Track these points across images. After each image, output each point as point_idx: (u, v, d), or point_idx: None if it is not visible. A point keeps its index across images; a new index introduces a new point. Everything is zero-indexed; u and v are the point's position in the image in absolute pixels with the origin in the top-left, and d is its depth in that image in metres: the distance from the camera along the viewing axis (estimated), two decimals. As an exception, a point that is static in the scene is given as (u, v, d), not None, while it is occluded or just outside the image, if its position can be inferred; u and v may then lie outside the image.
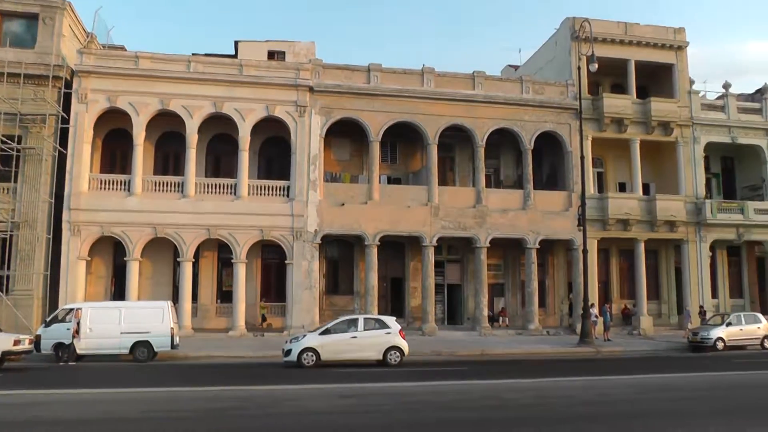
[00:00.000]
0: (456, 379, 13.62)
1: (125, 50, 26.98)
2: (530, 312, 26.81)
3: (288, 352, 16.30)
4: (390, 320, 17.39)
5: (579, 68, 25.86)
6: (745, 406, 10.43)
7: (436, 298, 27.04)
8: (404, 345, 16.81)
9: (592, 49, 23.56)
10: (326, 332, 16.63)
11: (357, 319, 17.23)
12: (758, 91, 31.77)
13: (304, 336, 16.85)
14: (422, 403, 10.60)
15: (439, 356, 19.26)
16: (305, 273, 24.49)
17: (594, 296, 26.03)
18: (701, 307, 27.70)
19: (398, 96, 25.94)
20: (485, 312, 26.24)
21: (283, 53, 30.54)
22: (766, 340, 22.75)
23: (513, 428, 8.53)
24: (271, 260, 26.29)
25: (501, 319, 28.15)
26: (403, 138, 27.69)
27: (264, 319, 25.68)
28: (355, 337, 16.50)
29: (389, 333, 16.75)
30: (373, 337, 16.62)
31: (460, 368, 15.88)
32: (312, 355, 16.12)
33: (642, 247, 27.78)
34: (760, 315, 23.84)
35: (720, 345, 21.92)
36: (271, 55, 30.19)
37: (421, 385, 12.72)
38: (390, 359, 16.53)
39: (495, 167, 29.39)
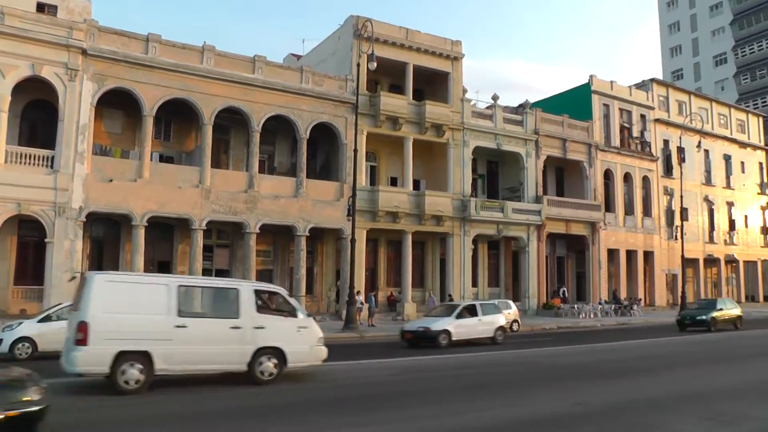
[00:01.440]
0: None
1: None
2: (298, 299, 27.74)
3: (-1, 342, 14.70)
4: None
5: (359, 65, 27.60)
6: (474, 384, 12.13)
7: (204, 284, 27.29)
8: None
9: (372, 48, 25.41)
10: (46, 319, 15.34)
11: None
12: (521, 105, 37.00)
13: (20, 324, 15.47)
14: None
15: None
16: (67, 253, 23.32)
17: (361, 284, 28.54)
18: (449, 295, 31.49)
19: (176, 71, 25.81)
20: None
21: (55, 8, 28.35)
22: (514, 323, 26.02)
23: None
24: (30, 238, 24.54)
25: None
26: (178, 116, 27.66)
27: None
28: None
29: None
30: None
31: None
32: (27, 346, 14.95)
33: (410, 238, 30.92)
34: (511, 302, 28.08)
35: None
36: (41, 7, 27.85)
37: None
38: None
39: (270, 153, 30.54)
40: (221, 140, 28.90)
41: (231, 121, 28.22)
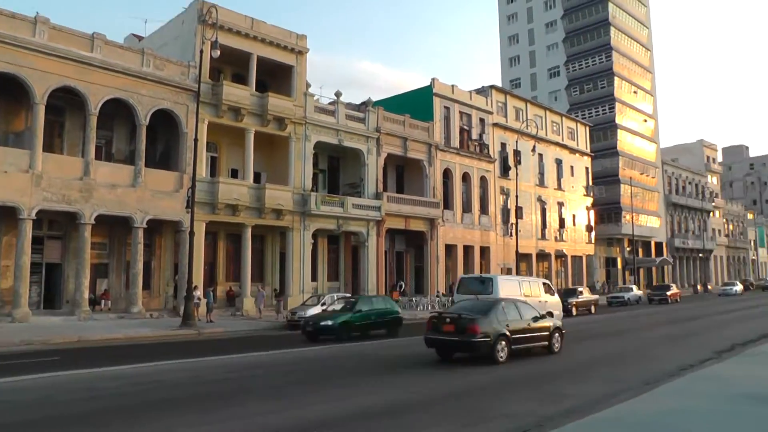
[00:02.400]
0: (46, 371, 13.20)
1: None
2: (134, 294, 27.74)
3: None
4: None
5: (202, 52, 27.61)
6: (313, 377, 12.98)
7: (32, 278, 25.87)
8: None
9: (216, 35, 25.68)
10: None
11: None
12: (363, 103, 39.03)
13: None
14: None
15: (31, 346, 18.56)
16: None
17: (200, 278, 28.69)
18: (275, 289, 32.30)
19: (5, 42, 24.18)
20: (86, 295, 26.27)
21: None
22: None
23: (108, 418, 9.04)
24: None
25: (103, 302, 28.40)
26: (6, 93, 26.10)
27: None
28: None
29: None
30: None
31: (52, 358, 15.61)
32: None
33: (249, 232, 31.65)
34: (349, 295, 29.63)
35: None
36: None
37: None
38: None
39: (108, 139, 29.76)
40: (55, 122, 27.66)
41: (66, 102, 27.16)
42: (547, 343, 15.94)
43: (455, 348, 14.63)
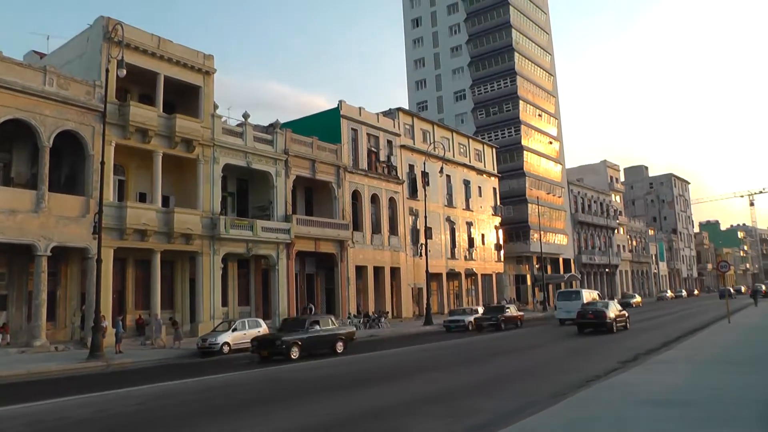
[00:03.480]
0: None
1: None
2: (37, 327, 27.16)
3: None
4: None
5: (108, 71, 28.30)
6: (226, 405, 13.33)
7: None
8: None
9: (122, 53, 26.02)
10: None
11: None
12: (271, 125, 40.82)
13: None
14: None
15: None
16: None
17: (108, 307, 28.96)
18: (171, 318, 32.45)
19: None
20: (-19, 329, 25.74)
21: None
22: None
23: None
24: None
25: (2, 336, 27.75)
26: None
27: None
28: None
29: None
30: None
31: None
32: None
33: (158, 257, 32.48)
34: (261, 320, 30.59)
35: (226, 349, 26.57)
36: None
37: None
38: None
39: (6, 162, 29.81)
40: (-53, 143, 27.42)
41: (-37, 122, 26.80)
42: (626, 323, 32.23)
43: (594, 326, 30.19)
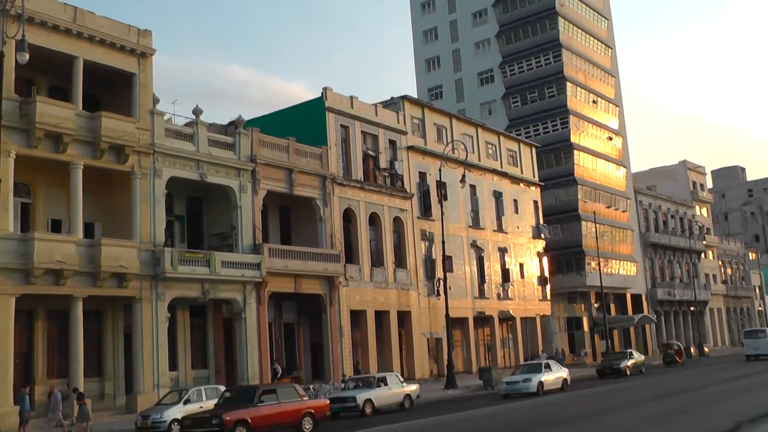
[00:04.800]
0: None
1: None
2: None
3: None
4: None
5: (3, 55, 27.50)
6: None
7: None
8: None
9: (22, 31, 24.82)
10: None
11: None
12: (232, 123, 40.69)
13: None
14: None
15: None
16: None
17: (7, 378, 28.47)
18: (75, 389, 30.63)
19: None
20: None
21: None
22: None
23: None
24: None
25: None
26: None
27: None
28: None
29: None
30: None
31: None
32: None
33: (80, 307, 31.88)
34: (222, 387, 30.24)
35: (177, 429, 26.12)
36: None
37: None
38: None
39: None
40: None
41: None
42: None
43: None
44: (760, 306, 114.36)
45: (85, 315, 32.45)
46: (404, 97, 54.04)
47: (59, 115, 31.60)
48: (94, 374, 33.93)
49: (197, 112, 38.24)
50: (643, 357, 51.98)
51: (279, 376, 39.88)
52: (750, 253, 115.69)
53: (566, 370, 41.39)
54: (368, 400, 30.76)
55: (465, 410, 30.29)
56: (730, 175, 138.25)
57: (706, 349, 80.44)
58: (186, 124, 38.43)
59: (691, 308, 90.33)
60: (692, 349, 76.14)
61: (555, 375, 38.76)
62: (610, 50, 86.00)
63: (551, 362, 41.30)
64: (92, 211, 34.71)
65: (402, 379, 31.75)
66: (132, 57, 35.61)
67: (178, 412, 26.82)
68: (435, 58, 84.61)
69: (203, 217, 40.80)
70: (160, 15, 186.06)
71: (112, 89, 36.03)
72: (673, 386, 35.78)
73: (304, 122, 45.69)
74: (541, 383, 36.65)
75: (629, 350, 53.54)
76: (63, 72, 33.68)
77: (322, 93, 46.57)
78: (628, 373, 46.29)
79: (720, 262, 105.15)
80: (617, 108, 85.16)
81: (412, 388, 34.17)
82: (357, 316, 45.67)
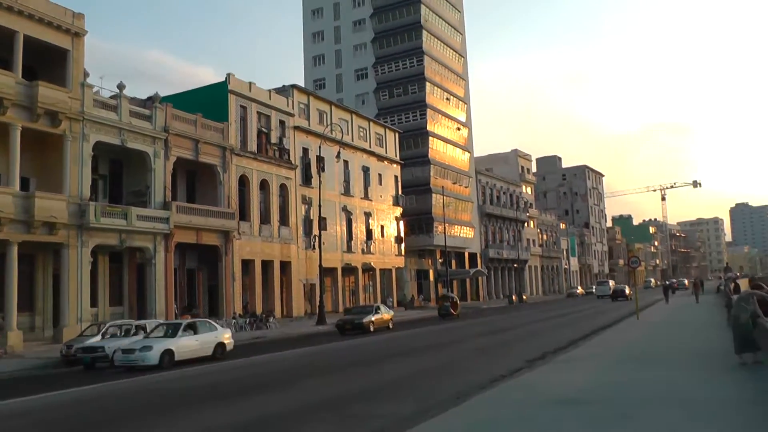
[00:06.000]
0: None
1: None
2: None
3: None
4: None
5: None
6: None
7: None
8: None
9: None
10: None
11: None
12: (150, 98, 40.73)
13: None
14: None
15: None
16: None
17: None
18: None
19: None
20: None
21: None
22: None
23: None
24: None
25: None
26: None
27: None
28: None
29: None
30: None
31: None
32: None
33: (15, 251, 31.44)
34: (134, 321, 29.71)
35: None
36: None
37: None
38: None
39: None
40: None
41: None
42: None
43: (622, 298, 69.68)
44: (566, 264, 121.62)
45: (20, 258, 32.04)
46: (294, 86, 54.85)
47: (1, 81, 31.00)
48: (27, 309, 33.76)
49: (121, 87, 38.02)
50: (391, 313, 41.53)
51: (181, 313, 40.44)
52: (561, 224, 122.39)
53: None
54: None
55: (338, 341, 31.84)
56: (550, 163, 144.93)
57: (524, 297, 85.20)
58: (111, 97, 38.05)
59: (515, 265, 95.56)
60: (513, 297, 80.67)
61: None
62: (462, 58, 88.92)
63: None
64: (28, 167, 34.18)
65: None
66: (67, 36, 35.03)
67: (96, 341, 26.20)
68: (321, 56, 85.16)
69: (123, 177, 40.58)
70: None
71: (48, 63, 35.28)
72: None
73: (210, 101, 45.87)
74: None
75: (377, 304, 42.87)
76: (4, 45, 32.90)
77: (226, 78, 46.89)
78: (372, 329, 36.85)
79: (538, 230, 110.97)
80: (465, 105, 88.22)
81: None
82: (247, 265, 46.54)
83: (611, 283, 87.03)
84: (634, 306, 38.13)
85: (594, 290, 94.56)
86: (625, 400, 11.82)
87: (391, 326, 39.29)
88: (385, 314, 39.64)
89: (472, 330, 35.34)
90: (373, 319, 37.71)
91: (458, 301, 52.45)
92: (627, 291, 71.45)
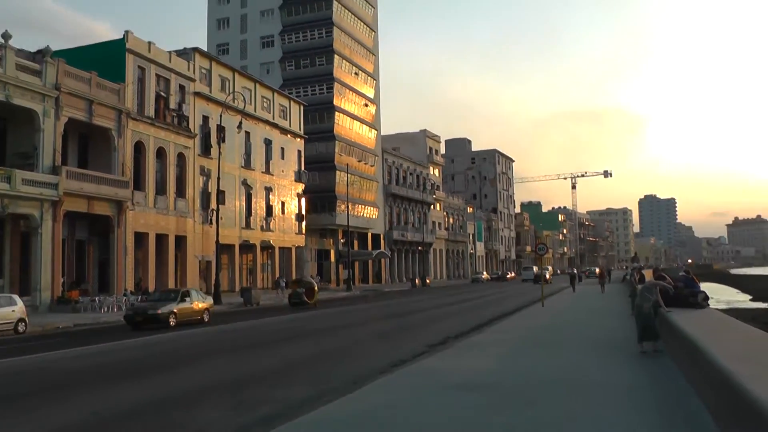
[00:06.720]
0: None
1: None
2: None
3: None
4: None
5: None
6: None
7: None
8: None
9: None
10: None
11: None
12: (40, 51, 39.63)
13: None
14: None
15: None
16: None
17: None
18: None
19: None
20: None
21: None
22: (20, 323, 27.89)
23: None
24: None
25: None
26: None
27: None
28: None
29: None
30: None
31: None
32: None
33: None
34: (16, 297, 29.39)
35: None
36: None
37: None
38: None
39: None
40: None
41: None
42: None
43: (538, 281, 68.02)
44: (472, 249, 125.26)
45: None
46: (195, 49, 54.45)
47: None
48: None
49: (6, 36, 36.53)
50: (209, 301, 33.67)
51: (69, 288, 39.92)
52: (468, 208, 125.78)
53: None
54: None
55: (236, 322, 32.06)
56: (459, 145, 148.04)
57: (428, 281, 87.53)
58: (-5, 51, 36.96)
59: (420, 248, 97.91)
60: (416, 280, 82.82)
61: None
62: (373, 33, 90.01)
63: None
64: None
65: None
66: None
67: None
68: (225, 19, 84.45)
69: (7, 136, 39.35)
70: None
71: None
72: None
73: (106, 59, 44.88)
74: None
75: (185, 289, 34.26)
76: None
77: (124, 35, 46.07)
78: (172, 323, 28.88)
79: (445, 213, 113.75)
80: (374, 81, 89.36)
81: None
82: (140, 238, 46.14)
83: (535, 268, 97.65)
84: (539, 293, 39.79)
85: (522, 275, 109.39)
86: (525, 386, 12.41)
87: (206, 319, 31.55)
88: (198, 303, 32.00)
89: (375, 313, 35.85)
90: (175, 309, 29.68)
91: (316, 287, 45.67)
92: (548, 275, 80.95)
